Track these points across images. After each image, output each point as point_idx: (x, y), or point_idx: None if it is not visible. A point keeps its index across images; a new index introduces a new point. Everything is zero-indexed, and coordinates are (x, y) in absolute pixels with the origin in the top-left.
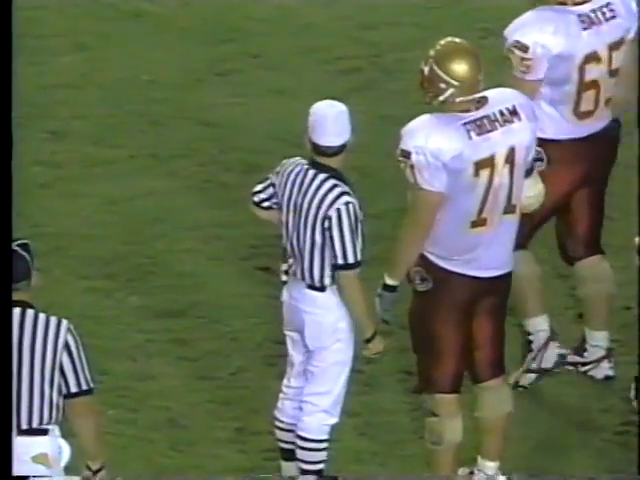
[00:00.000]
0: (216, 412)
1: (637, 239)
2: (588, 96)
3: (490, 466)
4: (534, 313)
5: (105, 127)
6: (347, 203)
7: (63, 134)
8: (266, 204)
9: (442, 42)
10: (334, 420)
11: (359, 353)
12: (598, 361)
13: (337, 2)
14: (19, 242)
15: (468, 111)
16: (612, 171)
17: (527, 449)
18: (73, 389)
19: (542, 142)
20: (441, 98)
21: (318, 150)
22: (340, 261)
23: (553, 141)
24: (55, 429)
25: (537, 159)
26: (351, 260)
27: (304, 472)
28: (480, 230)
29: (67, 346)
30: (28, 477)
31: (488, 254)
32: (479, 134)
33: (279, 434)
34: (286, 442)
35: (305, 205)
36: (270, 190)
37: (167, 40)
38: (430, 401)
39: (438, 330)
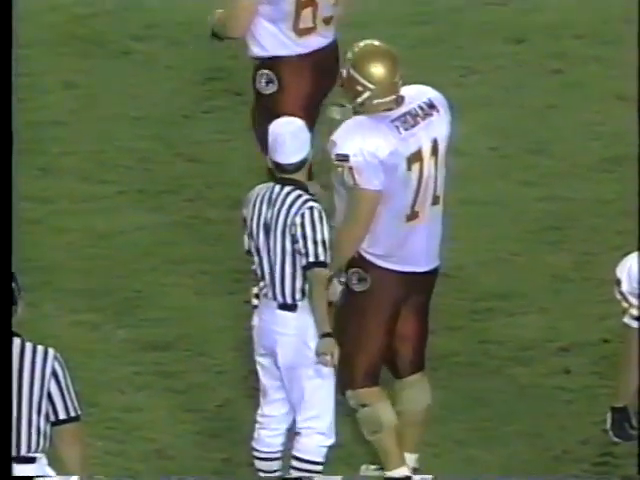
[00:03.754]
0: (203, 443)
1: (617, 272)
2: (306, 14)
3: (411, 458)
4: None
5: (94, 163)
6: (311, 207)
7: (52, 170)
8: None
9: (360, 45)
10: (331, 442)
11: None
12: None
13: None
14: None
15: (390, 110)
16: (587, 206)
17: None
18: (61, 416)
19: (270, 62)
20: (359, 100)
21: (280, 168)
22: (311, 259)
23: (278, 58)
24: (42, 457)
25: (268, 82)
26: (322, 258)
27: None
28: (413, 223)
29: (55, 374)
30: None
31: (421, 247)
32: (406, 129)
33: (258, 464)
34: (266, 471)
35: (273, 219)
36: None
37: (154, 78)
38: (357, 396)
39: (370, 327)
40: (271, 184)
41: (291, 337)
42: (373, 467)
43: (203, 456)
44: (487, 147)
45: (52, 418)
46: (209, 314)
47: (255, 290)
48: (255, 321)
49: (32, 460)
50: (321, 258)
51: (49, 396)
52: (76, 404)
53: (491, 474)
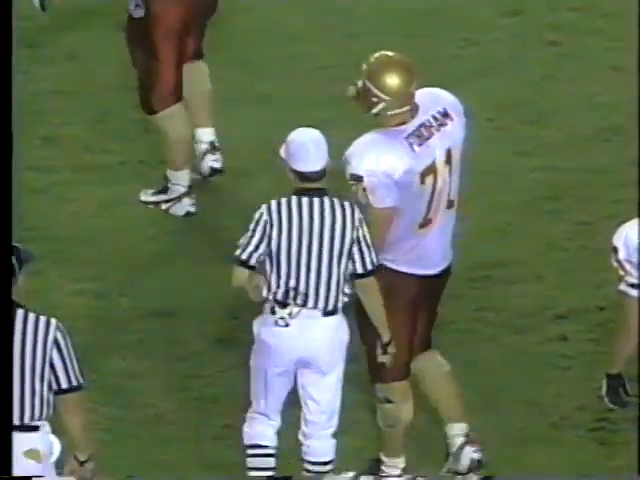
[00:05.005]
0: (203, 410)
1: (613, 241)
2: None
3: (460, 427)
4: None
5: (96, 133)
6: (361, 217)
7: (55, 140)
8: (254, 262)
9: (375, 56)
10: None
11: None
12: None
13: (322, 12)
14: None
15: (404, 123)
16: (584, 176)
17: (505, 446)
18: (64, 385)
19: None
20: (374, 111)
21: (304, 177)
22: (369, 266)
23: None
24: (46, 425)
25: (137, 5)
26: (370, 267)
27: None
28: (426, 230)
29: (57, 342)
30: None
31: (434, 250)
32: (420, 144)
33: (262, 461)
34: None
35: (326, 231)
36: (262, 242)
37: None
38: (384, 390)
39: (393, 327)
40: (291, 196)
41: (336, 337)
42: (350, 474)
43: (204, 422)
44: (485, 118)
45: (55, 387)
46: (210, 282)
47: (285, 313)
48: (274, 339)
49: (36, 428)
50: (369, 267)
51: (51, 365)
52: (78, 373)
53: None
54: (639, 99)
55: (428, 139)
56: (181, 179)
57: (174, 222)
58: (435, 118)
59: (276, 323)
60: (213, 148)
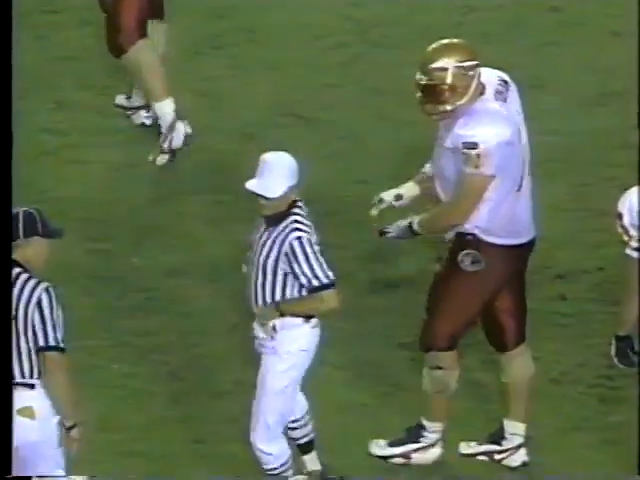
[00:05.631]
0: (214, 365)
1: (618, 207)
2: None
3: (522, 427)
4: None
5: (108, 97)
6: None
7: (67, 104)
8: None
9: (440, 46)
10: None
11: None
12: (516, 449)
13: None
14: (25, 209)
15: (483, 92)
16: (584, 139)
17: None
18: (41, 343)
19: None
20: (466, 98)
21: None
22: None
23: None
24: (39, 385)
25: None
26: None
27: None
28: (519, 195)
29: (39, 303)
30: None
31: (525, 218)
32: (506, 110)
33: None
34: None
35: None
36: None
37: (166, 15)
38: (436, 357)
39: (474, 300)
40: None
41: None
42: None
43: (214, 378)
44: None
45: (35, 346)
46: (221, 242)
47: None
48: (313, 343)
49: (31, 386)
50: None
51: (32, 324)
52: (58, 335)
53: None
54: (639, 63)
55: (507, 104)
56: (166, 108)
57: (186, 182)
58: (501, 85)
59: (313, 327)
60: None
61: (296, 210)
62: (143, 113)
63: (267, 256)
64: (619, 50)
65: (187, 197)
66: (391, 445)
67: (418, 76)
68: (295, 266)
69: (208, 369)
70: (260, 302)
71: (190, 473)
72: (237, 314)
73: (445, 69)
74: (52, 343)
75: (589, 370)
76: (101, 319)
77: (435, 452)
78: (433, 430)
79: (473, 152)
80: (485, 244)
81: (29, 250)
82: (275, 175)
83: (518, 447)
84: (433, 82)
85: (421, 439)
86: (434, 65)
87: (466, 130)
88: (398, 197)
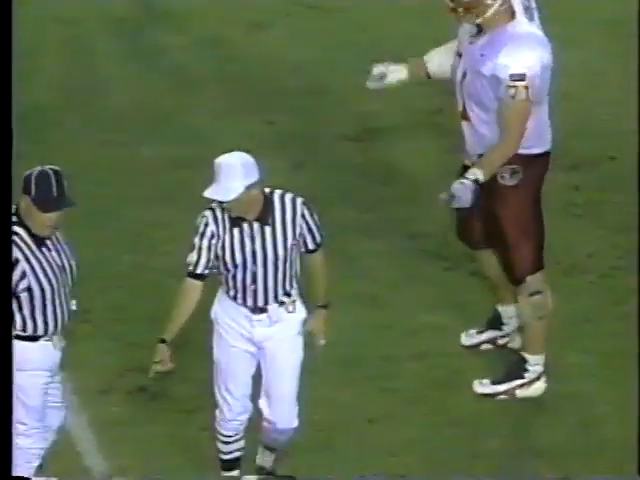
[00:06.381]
0: None
1: None
2: None
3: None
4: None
5: None
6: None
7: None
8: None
9: None
10: None
11: None
12: (537, 379)
13: None
14: (46, 168)
15: (514, 16)
16: (599, 29)
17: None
18: None
19: None
20: (488, 15)
21: None
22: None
23: None
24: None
25: None
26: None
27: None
28: (543, 105)
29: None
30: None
31: (547, 128)
32: (537, 26)
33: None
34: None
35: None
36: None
37: None
38: (532, 282)
39: (530, 212)
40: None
41: None
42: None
43: None
44: None
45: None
46: (231, 134)
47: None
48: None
49: (34, 339)
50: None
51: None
52: None
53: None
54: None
55: (535, 20)
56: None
57: (192, 73)
58: (526, 8)
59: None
60: None
61: (276, 192)
62: None
63: (283, 243)
64: None
65: (198, 88)
66: (494, 383)
67: None
68: (308, 227)
69: None
70: (281, 293)
71: (202, 354)
72: None
73: None
74: None
75: (599, 260)
76: (112, 209)
77: (539, 387)
78: (535, 363)
79: (521, 84)
80: (517, 156)
81: (22, 205)
82: (230, 178)
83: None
84: None
85: (525, 374)
86: None
87: (509, 60)
88: (382, 75)
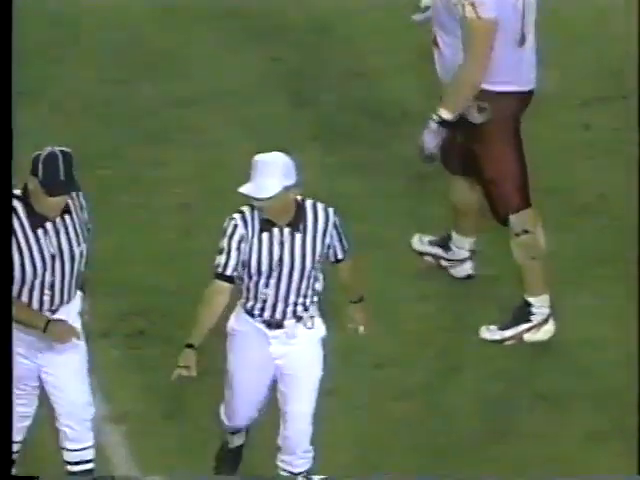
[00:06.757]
0: (228, 197)
1: None
2: None
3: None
4: None
5: None
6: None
7: None
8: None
9: None
10: None
11: None
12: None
13: None
14: (55, 149)
15: None
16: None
17: None
18: None
19: None
20: None
21: None
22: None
23: None
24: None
25: None
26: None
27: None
28: (524, 50)
29: None
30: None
31: (529, 67)
32: None
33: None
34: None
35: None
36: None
37: None
38: (519, 220)
39: (508, 150)
40: None
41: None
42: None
43: (228, 209)
44: None
45: None
46: (233, 71)
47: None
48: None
49: None
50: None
51: None
52: None
53: None
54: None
55: None
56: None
57: (197, 8)
58: None
59: None
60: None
61: (307, 200)
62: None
63: (312, 253)
64: None
65: (197, 23)
66: (501, 329)
67: None
68: (338, 237)
69: (222, 200)
70: (300, 308)
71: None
72: (252, 143)
73: None
74: None
75: (610, 201)
76: (111, 147)
77: (548, 329)
78: (540, 305)
79: (467, 1)
80: (484, 92)
81: (30, 186)
82: (268, 175)
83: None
84: None
85: (531, 317)
86: None
87: None
88: (426, 8)
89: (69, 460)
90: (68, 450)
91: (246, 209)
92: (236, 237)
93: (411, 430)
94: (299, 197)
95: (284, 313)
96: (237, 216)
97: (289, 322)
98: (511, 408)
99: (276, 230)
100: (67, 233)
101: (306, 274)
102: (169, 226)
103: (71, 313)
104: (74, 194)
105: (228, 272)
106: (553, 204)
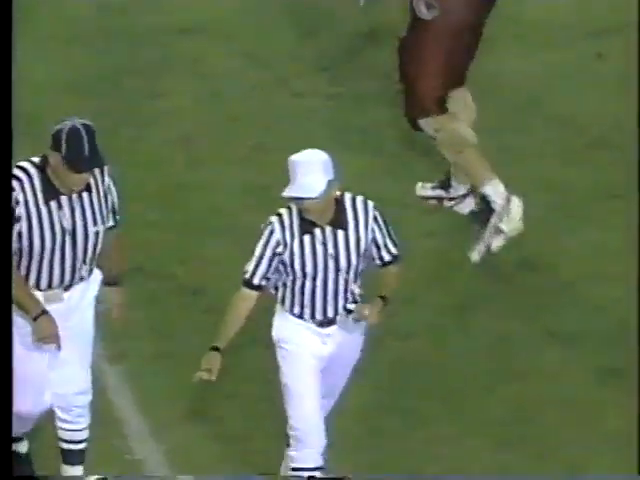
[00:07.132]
0: (233, 129)
1: None
2: None
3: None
4: None
5: None
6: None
7: None
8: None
9: None
10: None
11: None
12: (463, 197)
13: None
14: (77, 122)
15: None
16: None
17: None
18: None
19: None
20: None
21: None
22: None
23: None
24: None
25: None
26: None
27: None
28: None
29: None
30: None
31: None
32: None
33: None
34: None
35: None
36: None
37: None
38: (431, 123)
39: (439, 49)
40: None
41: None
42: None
43: (233, 142)
44: None
45: None
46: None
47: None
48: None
49: None
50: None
51: None
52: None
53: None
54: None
55: None
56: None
57: None
58: None
59: None
60: None
61: (346, 195)
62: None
63: (356, 248)
64: None
65: None
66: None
67: None
68: (381, 234)
69: (227, 133)
70: (350, 300)
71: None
72: (254, 74)
73: None
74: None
75: (623, 134)
76: (110, 79)
77: (517, 205)
78: (493, 191)
79: None
80: None
81: (51, 160)
82: (311, 174)
83: (464, 196)
84: None
85: (494, 206)
86: None
87: None
88: None
89: (61, 437)
90: (61, 429)
91: (284, 212)
92: (272, 243)
93: (419, 371)
94: (338, 193)
95: (336, 309)
96: (275, 220)
97: (340, 316)
98: (522, 346)
99: (318, 231)
100: (83, 211)
101: (352, 270)
102: (168, 158)
103: (86, 294)
104: (97, 171)
105: (255, 281)
106: (566, 135)
